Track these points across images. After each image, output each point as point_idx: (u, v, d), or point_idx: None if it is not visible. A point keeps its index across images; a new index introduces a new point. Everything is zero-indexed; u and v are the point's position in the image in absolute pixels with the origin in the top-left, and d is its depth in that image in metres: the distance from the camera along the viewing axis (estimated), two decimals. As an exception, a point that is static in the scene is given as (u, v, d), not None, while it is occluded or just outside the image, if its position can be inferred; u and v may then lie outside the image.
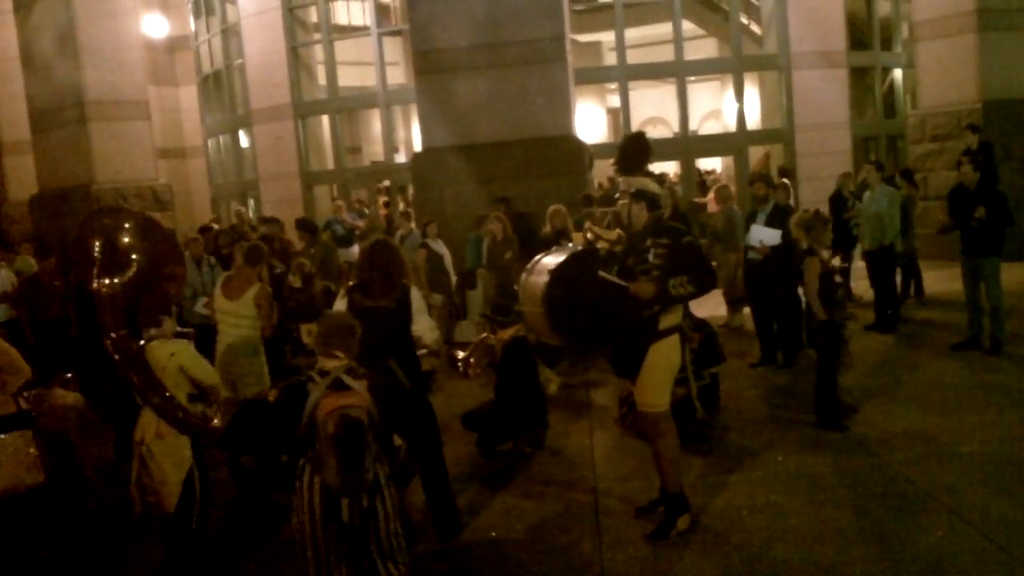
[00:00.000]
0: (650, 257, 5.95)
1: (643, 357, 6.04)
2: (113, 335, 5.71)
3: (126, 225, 6.02)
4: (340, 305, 6.30)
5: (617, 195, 6.36)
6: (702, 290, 6.02)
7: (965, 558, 5.48)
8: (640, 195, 6.10)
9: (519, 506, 6.95)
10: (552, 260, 6.11)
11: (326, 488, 4.48)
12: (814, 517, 6.25)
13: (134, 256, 5.87)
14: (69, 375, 7.61)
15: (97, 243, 5.90)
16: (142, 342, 5.77)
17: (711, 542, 5.99)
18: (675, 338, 6.08)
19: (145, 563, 6.39)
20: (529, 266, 6.36)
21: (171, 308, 6.02)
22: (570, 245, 7.11)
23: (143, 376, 5.61)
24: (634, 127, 19.77)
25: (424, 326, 6.47)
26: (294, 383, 4.78)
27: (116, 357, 5.71)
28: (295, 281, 9.14)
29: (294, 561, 5.38)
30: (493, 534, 6.46)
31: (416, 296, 6.47)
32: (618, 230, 6.35)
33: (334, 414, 4.45)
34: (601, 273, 6.00)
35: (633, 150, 6.28)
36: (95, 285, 5.81)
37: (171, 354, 5.72)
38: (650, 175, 6.29)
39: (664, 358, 6.05)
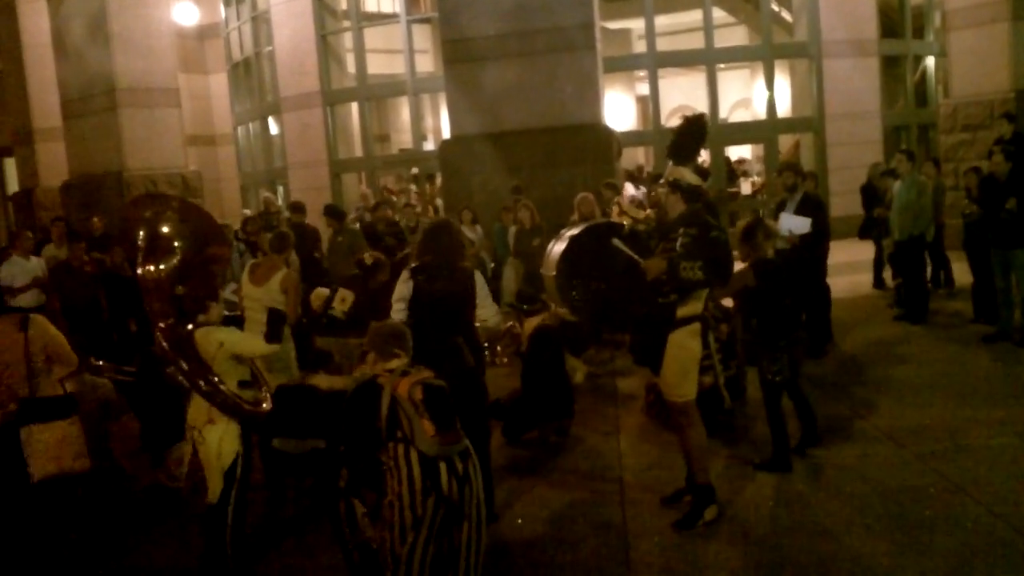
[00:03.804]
0: (677, 246, 5.94)
1: (663, 346, 6.03)
2: (162, 324, 5.71)
3: (168, 211, 6.03)
4: (403, 288, 6.29)
5: (661, 181, 6.36)
6: (712, 280, 6.00)
7: (995, 551, 5.44)
8: (675, 186, 6.09)
9: (544, 494, 6.95)
10: (576, 230, 6.16)
11: (424, 458, 4.58)
12: (841, 509, 6.22)
13: (177, 243, 5.87)
14: (101, 362, 7.69)
15: (141, 231, 5.91)
16: (190, 327, 5.77)
17: (737, 533, 5.97)
18: (695, 326, 6.06)
19: (170, 547, 6.47)
20: (559, 234, 6.42)
21: (218, 293, 6.02)
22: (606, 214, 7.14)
23: (192, 363, 5.63)
24: (663, 115, 19.70)
25: (489, 311, 6.55)
26: (364, 382, 4.88)
27: (165, 345, 5.70)
28: (368, 259, 9.19)
29: (330, 548, 5.42)
30: (518, 521, 6.47)
31: (480, 280, 6.50)
32: (648, 211, 6.34)
33: (416, 385, 4.64)
34: (615, 241, 5.99)
35: (689, 136, 6.25)
36: (140, 272, 5.83)
37: (220, 344, 5.71)
38: (698, 167, 6.27)
39: (683, 347, 6.03)
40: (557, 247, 6.19)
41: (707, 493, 6.20)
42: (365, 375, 5.02)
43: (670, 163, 6.30)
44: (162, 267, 5.79)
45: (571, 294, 6.10)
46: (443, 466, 4.61)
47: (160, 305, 5.75)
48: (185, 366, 5.61)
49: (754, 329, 7.35)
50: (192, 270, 5.93)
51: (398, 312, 6.24)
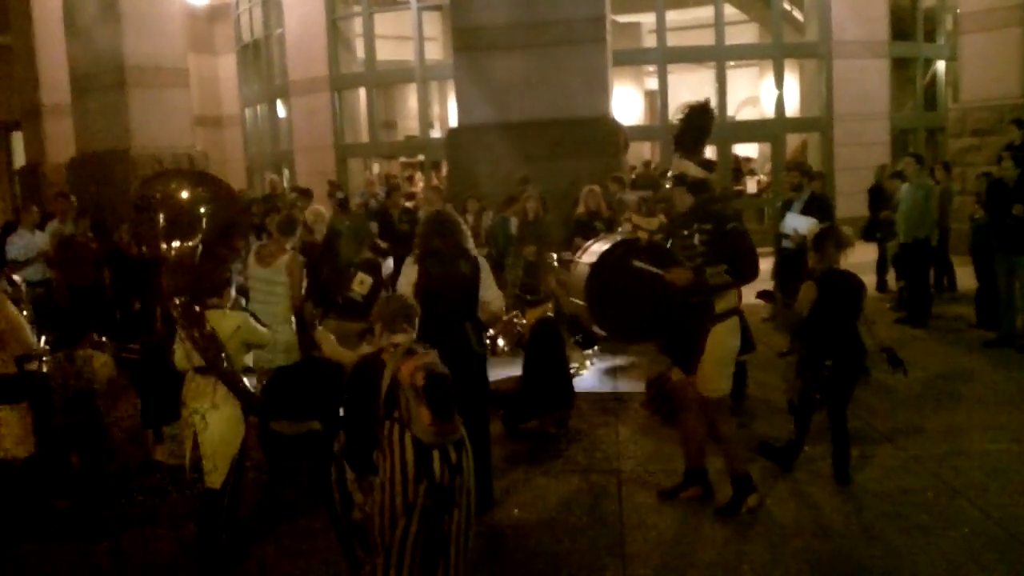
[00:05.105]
0: (695, 242, 5.93)
1: (702, 343, 6.04)
2: (177, 301, 5.72)
3: (202, 190, 6.03)
4: (411, 272, 6.30)
5: (668, 175, 6.37)
6: (740, 280, 6.01)
7: (990, 556, 5.46)
8: (680, 180, 6.09)
9: (542, 485, 6.96)
10: (593, 254, 6.13)
11: (418, 443, 4.55)
12: (839, 509, 6.24)
13: (204, 225, 5.87)
14: (103, 338, 7.69)
15: (170, 205, 5.91)
16: (196, 308, 5.79)
17: (734, 530, 5.98)
18: (734, 320, 6.10)
19: (167, 524, 6.48)
20: (576, 256, 6.40)
21: (231, 278, 6.04)
22: (619, 230, 7.08)
23: (207, 340, 5.67)
24: (671, 111, 19.68)
25: (493, 294, 6.50)
26: (367, 356, 4.85)
27: (180, 321, 5.71)
28: (382, 244, 9.13)
29: (327, 531, 5.43)
30: (515, 511, 6.48)
31: (485, 265, 6.51)
32: (660, 217, 6.34)
33: (420, 369, 4.57)
34: (636, 263, 5.98)
35: (695, 127, 6.23)
36: (164, 247, 5.82)
37: (236, 328, 5.79)
38: (703, 160, 6.24)
39: (722, 342, 6.06)
40: (579, 273, 6.19)
41: (747, 482, 6.25)
42: (370, 348, 5.00)
43: (676, 156, 6.29)
44: (186, 245, 5.79)
45: (607, 321, 6.10)
46: (437, 454, 4.60)
47: (177, 282, 5.76)
48: (202, 342, 5.63)
49: (802, 342, 7.03)
50: (211, 254, 5.95)
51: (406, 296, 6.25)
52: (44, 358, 6.76)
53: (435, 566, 4.66)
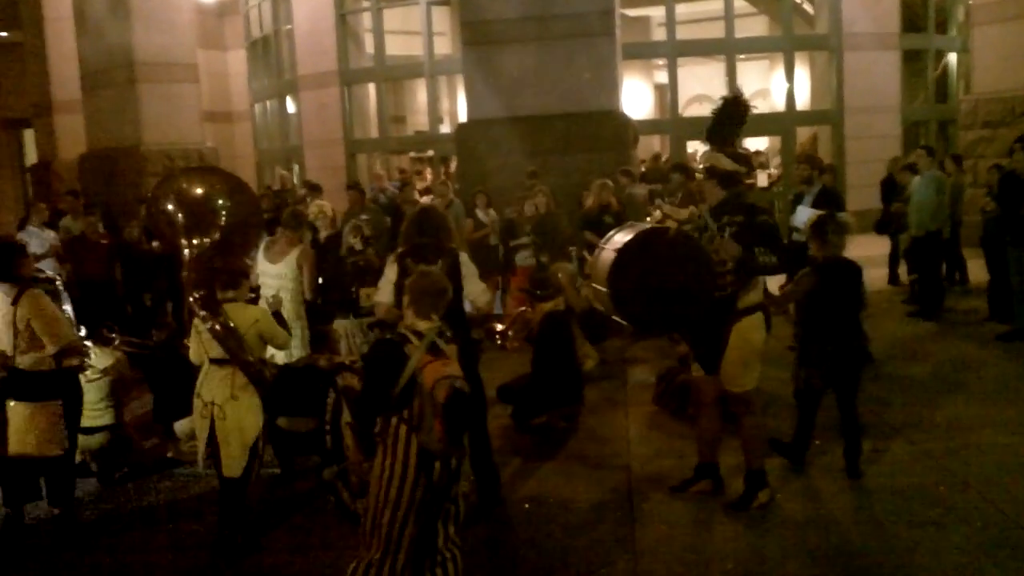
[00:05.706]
0: (725, 235, 5.90)
1: (725, 340, 6.01)
2: (195, 294, 5.79)
3: (219, 185, 6.12)
4: (390, 272, 6.28)
5: (701, 167, 6.34)
6: (783, 264, 5.99)
7: (1003, 551, 5.42)
8: (711, 172, 6.07)
9: (552, 480, 6.96)
10: (622, 238, 6.07)
11: (423, 449, 4.50)
12: (850, 504, 6.22)
13: (224, 219, 5.96)
14: (113, 334, 7.71)
15: (187, 200, 6.00)
16: (214, 300, 5.85)
17: (744, 525, 5.96)
18: (758, 316, 6.06)
19: (179, 519, 6.50)
20: (602, 242, 6.35)
21: (247, 270, 6.10)
22: (648, 219, 7.00)
23: (226, 330, 5.70)
24: (681, 104, 19.62)
25: (476, 289, 6.42)
26: (385, 340, 4.73)
27: (200, 313, 5.76)
28: (356, 243, 9.09)
29: (334, 524, 5.44)
30: (525, 506, 6.47)
31: (466, 260, 6.45)
32: (690, 208, 6.30)
33: (444, 383, 4.40)
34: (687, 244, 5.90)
35: (726, 119, 6.22)
36: (184, 242, 5.90)
37: (255, 320, 5.87)
38: (735, 152, 6.20)
39: (746, 338, 6.01)
40: (605, 257, 6.14)
41: (761, 477, 6.23)
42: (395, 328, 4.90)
43: (707, 148, 6.27)
44: (206, 240, 5.87)
45: (630, 310, 6.05)
46: (439, 464, 4.55)
47: (198, 275, 5.83)
48: (221, 332, 5.69)
49: (802, 330, 7.05)
50: (231, 247, 6.04)
51: (386, 294, 6.21)
52: (88, 347, 6.81)
53: (426, 563, 4.64)
